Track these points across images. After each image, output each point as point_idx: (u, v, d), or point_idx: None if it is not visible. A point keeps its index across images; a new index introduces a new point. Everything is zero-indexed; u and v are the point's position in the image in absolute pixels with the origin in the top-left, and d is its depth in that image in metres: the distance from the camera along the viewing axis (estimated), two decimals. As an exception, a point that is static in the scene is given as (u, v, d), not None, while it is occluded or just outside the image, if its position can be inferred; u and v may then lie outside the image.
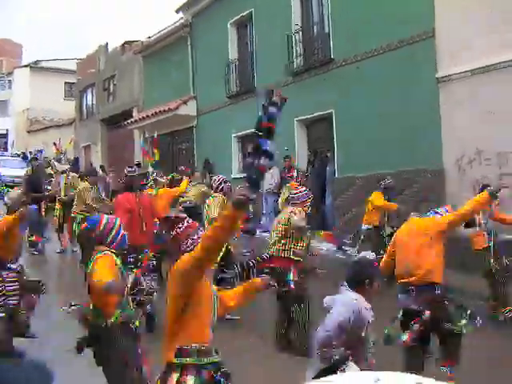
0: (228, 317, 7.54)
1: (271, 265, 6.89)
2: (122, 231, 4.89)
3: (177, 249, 3.74)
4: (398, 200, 11.91)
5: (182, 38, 21.89)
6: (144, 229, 7.86)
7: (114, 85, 28.31)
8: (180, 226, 3.80)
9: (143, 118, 22.98)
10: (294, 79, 16.00)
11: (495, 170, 10.73)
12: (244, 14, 18.25)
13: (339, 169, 14.39)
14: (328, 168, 14.72)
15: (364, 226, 11.26)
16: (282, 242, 7.01)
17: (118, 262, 4.77)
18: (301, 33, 15.93)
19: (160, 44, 23.35)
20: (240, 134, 18.69)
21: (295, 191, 7.48)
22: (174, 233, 3.79)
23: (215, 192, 8.83)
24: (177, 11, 21.94)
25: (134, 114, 25.13)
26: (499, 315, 8.17)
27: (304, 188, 7.57)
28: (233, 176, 18.45)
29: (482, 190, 8.73)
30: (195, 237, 3.76)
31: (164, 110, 21.29)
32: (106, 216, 4.98)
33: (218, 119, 19.47)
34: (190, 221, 3.89)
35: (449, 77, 11.53)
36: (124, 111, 26.07)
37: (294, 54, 15.94)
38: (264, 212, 15.97)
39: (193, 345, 3.50)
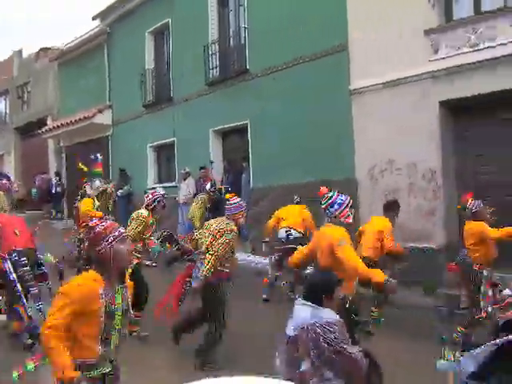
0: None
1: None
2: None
3: (94, 251, 3.70)
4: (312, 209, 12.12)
5: (98, 46, 21.53)
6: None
7: (28, 92, 27.51)
8: (95, 228, 3.73)
9: (58, 126, 22.43)
10: (210, 90, 15.99)
11: (405, 180, 11.04)
12: (161, 23, 18.12)
13: (254, 179, 14.46)
14: (243, 178, 14.76)
15: None
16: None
17: None
18: (217, 43, 15.96)
19: (76, 51, 22.87)
20: (156, 143, 18.54)
21: (228, 202, 7.12)
22: (89, 236, 3.77)
23: (145, 208, 8.08)
24: (93, 18, 21.54)
25: (48, 123, 24.47)
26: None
27: (236, 200, 7.08)
28: (148, 186, 18.26)
29: (386, 207, 9.05)
30: (112, 236, 3.68)
31: (79, 119, 20.85)
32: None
33: (134, 129, 19.22)
34: (109, 222, 3.82)
35: (361, 89, 11.80)
36: (38, 119, 25.33)
37: (211, 65, 15.95)
38: (180, 222, 15.83)
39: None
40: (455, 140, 10.67)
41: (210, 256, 6.51)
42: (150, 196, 8.15)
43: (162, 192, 8.31)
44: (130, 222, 7.91)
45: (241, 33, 15.49)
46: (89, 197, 10.56)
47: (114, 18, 20.49)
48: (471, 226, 7.54)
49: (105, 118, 20.70)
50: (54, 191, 23.37)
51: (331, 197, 5.75)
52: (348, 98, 12.06)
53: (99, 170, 12.22)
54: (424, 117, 10.59)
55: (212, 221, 7.02)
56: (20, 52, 28.63)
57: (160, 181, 18.66)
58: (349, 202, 5.72)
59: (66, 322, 3.44)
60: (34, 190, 23.45)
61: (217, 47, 15.97)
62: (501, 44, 9.53)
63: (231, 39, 16.08)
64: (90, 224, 3.76)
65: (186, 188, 15.67)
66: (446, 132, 10.57)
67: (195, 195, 15.21)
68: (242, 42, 15.33)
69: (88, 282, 3.58)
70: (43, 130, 23.64)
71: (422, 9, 10.61)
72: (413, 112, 10.75)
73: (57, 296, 3.58)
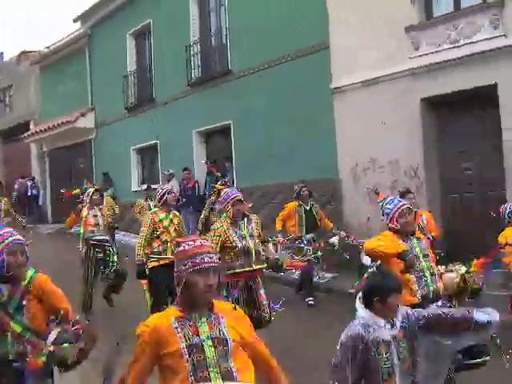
0: None
1: None
2: (3, 255, 3.97)
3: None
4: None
5: (79, 49, 21.38)
6: None
7: (10, 96, 27.28)
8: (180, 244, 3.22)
9: (40, 130, 22.26)
10: (192, 90, 15.92)
11: (388, 178, 11.03)
12: (143, 24, 18.03)
13: (238, 179, 14.39)
14: (227, 179, 14.67)
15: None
16: None
17: None
18: (199, 44, 15.90)
19: (58, 55, 22.68)
20: (139, 146, 18.44)
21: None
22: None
23: (158, 203, 8.01)
24: (74, 21, 21.40)
25: (31, 127, 24.27)
26: None
27: (224, 190, 7.05)
28: (132, 189, 18.18)
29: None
30: (191, 262, 3.05)
31: (62, 123, 20.71)
32: (2, 230, 4.16)
33: (117, 132, 19.10)
34: (198, 242, 3.16)
35: (343, 87, 11.79)
36: (21, 124, 25.09)
37: (193, 65, 15.88)
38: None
39: None
40: (437, 136, 10.67)
41: None
42: (160, 190, 8.07)
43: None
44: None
45: (222, 33, 15.43)
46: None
47: (95, 20, 20.34)
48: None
49: (87, 122, 20.56)
50: (29, 193, 23.68)
51: (382, 205, 5.44)
52: (330, 97, 12.05)
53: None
54: (405, 114, 10.59)
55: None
56: (1, 55, 28.40)
57: (144, 183, 18.53)
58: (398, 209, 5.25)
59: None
60: (14, 194, 23.28)
61: (198, 48, 15.90)
62: (480, 40, 9.54)
63: (213, 39, 16.02)
64: (178, 239, 3.28)
65: (170, 190, 15.56)
66: (427, 129, 10.57)
67: (179, 197, 15.15)
68: (224, 42, 15.28)
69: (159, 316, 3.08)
70: (26, 134, 23.45)
71: (403, 6, 10.59)
72: (394, 109, 10.75)
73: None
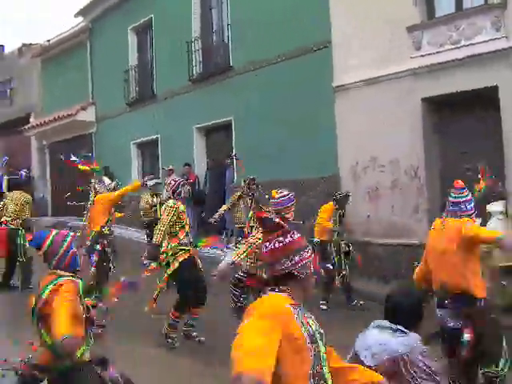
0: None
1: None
2: (73, 249, 4.03)
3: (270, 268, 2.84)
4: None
5: (81, 43, 21.38)
6: None
7: (11, 89, 27.25)
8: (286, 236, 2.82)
9: (41, 123, 22.26)
10: (193, 86, 15.93)
11: (388, 177, 11.07)
12: (144, 19, 18.02)
13: (238, 175, 14.41)
14: (227, 175, 14.72)
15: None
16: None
17: (81, 286, 3.95)
18: (200, 40, 15.89)
19: (59, 48, 22.67)
20: (139, 141, 18.46)
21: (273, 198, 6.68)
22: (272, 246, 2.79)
23: (171, 197, 7.78)
24: (76, 15, 21.36)
25: (31, 120, 24.27)
26: None
27: (283, 193, 6.63)
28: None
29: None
30: (298, 257, 2.78)
31: (63, 116, 20.71)
32: (55, 232, 4.07)
33: (118, 126, 19.12)
34: (298, 235, 2.86)
35: (344, 86, 11.80)
36: (21, 116, 25.08)
37: (194, 61, 15.88)
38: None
39: None
40: (438, 137, 10.69)
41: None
42: (173, 182, 7.89)
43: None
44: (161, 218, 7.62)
45: (224, 29, 15.43)
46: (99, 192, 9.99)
47: (97, 15, 20.33)
48: None
49: (88, 116, 20.58)
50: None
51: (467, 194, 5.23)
52: (331, 95, 12.06)
53: (97, 167, 12.21)
54: (406, 114, 10.61)
55: None
56: (2, 48, 28.35)
57: (144, 178, 18.56)
58: None
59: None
60: None
61: (200, 44, 15.89)
62: (482, 42, 9.56)
63: (214, 36, 16.03)
64: (275, 221, 2.83)
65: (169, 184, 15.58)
66: (428, 129, 10.60)
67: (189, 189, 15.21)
68: (225, 38, 15.29)
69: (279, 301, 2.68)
70: (26, 127, 23.46)
71: (405, 6, 10.60)
72: (395, 109, 10.77)
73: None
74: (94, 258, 8.89)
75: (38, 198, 22.42)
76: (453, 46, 9.97)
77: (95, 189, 9.91)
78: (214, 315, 8.10)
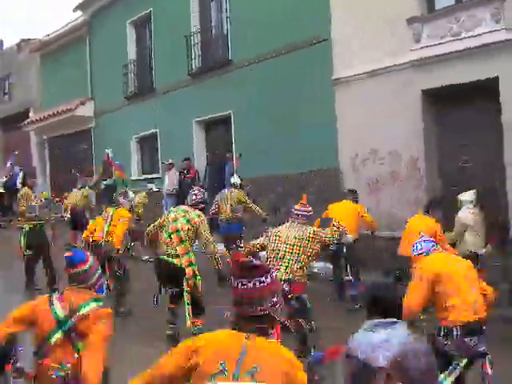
0: None
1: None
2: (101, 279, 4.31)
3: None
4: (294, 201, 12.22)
5: (80, 37, 21.32)
6: None
7: (10, 84, 27.22)
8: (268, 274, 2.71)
9: (40, 119, 22.24)
10: (192, 80, 15.91)
11: (387, 169, 11.08)
12: (143, 13, 17.97)
13: (238, 169, 14.39)
14: (227, 169, 14.71)
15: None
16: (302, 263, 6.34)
17: None
18: (199, 34, 15.86)
19: (58, 43, 22.63)
20: (139, 135, 18.43)
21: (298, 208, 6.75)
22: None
23: (192, 207, 7.80)
24: (74, 10, 21.32)
25: (30, 115, 24.25)
26: None
27: (309, 208, 6.77)
28: (132, 178, 18.19)
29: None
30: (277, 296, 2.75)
31: (62, 111, 20.69)
32: (92, 259, 4.22)
33: (117, 120, 19.08)
34: (274, 274, 2.78)
35: (344, 78, 11.80)
36: (20, 112, 25.06)
37: (193, 55, 15.85)
38: (164, 214, 15.74)
39: None
40: (437, 129, 10.69)
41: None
42: (194, 195, 7.90)
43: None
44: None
45: (223, 23, 15.41)
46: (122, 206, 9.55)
47: (95, 9, 20.27)
48: None
49: (87, 110, 20.54)
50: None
51: None
52: (331, 88, 12.05)
53: (127, 179, 12.45)
54: (407, 106, 10.61)
55: (283, 229, 6.58)
56: (1, 43, 28.30)
57: (144, 172, 18.60)
58: None
59: None
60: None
61: (199, 37, 15.86)
62: (482, 33, 9.54)
63: (213, 29, 15.99)
64: (254, 262, 2.71)
65: (169, 179, 15.62)
66: (428, 121, 10.59)
67: (180, 186, 15.22)
68: (225, 32, 15.26)
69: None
70: (25, 122, 23.43)
71: (404, -3, 10.60)
72: (395, 101, 10.76)
73: None
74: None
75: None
76: (453, 38, 9.95)
77: (118, 201, 9.59)
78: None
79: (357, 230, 9.75)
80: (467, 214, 8.45)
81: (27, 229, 10.35)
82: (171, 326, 7.47)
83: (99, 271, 4.20)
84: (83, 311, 3.86)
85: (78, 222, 14.16)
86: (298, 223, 6.55)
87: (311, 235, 6.39)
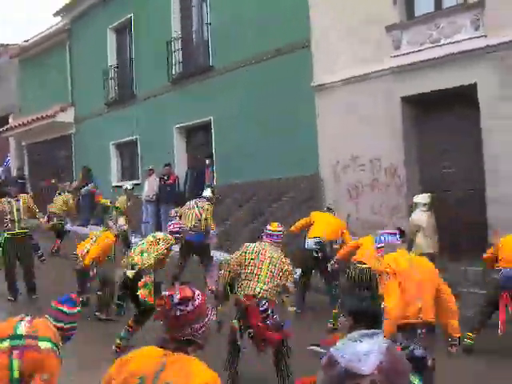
0: None
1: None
2: None
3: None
4: (275, 207, 12.23)
5: (60, 43, 21.16)
6: None
7: (-11, 90, 26.92)
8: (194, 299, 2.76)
9: (19, 124, 21.99)
10: (173, 86, 15.84)
11: (369, 176, 11.08)
12: (123, 19, 17.87)
13: (218, 176, 14.36)
14: (207, 175, 14.66)
15: None
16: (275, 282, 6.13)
17: None
18: (180, 40, 15.79)
19: (37, 48, 22.44)
20: (119, 141, 18.30)
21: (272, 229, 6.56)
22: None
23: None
24: (55, 15, 21.17)
25: (10, 121, 23.97)
26: None
27: (281, 228, 6.64)
28: (113, 184, 18.08)
29: None
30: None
31: (41, 117, 20.47)
32: None
33: (97, 127, 18.93)
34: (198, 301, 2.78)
35: (324, 85, 11.80)
36: (0, 117, 24.79)
37: (174, 61, 15.78)
38: (144, 220, 15.66)
39: None
40: (417, 135, 10.71)
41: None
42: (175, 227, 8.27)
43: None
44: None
45: (204, 29, 15.36)
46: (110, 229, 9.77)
47: (76, 14, 20.13)
48: None
49: (67, 116, 20.36)
50: None
51: None
52: (311, 94, 12.05)
53: (120, 207, 13.15)
54: (386, 112, 10.64)
55: (256, 246, 6.35)
56: (-21, 49, 28.00)
57: (123, 178, 18.46)
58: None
59: None
60: None
61: (179, 43, 15.79)
62: (461, 40, 9.58)
63: (194, 35, 15.94)
64: (182, 294, 2.73)
65: (149, 185, 15.53)
66: (408, 127, 10.62)
67: (159, 192, 15.14)
68: (205, 38, 15.22)
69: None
70: (4, 128, 23.17)
71: (384, 5, 10.61)
72: (375, 107, 10.78)
73: None
74: None
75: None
76: (432, 45, 9.99)
77: (107, 224, 9.96)
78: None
79: (334, 240, 9.76)
80: (420, 215, 9.03)
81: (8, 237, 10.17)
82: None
83: None
84: None
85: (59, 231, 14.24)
86: (271, 244, 6.38)
87: (285, 263, 6.22)
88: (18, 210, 10.17)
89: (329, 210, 10.18)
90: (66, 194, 15.03)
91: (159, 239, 7.80)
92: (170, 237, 7.90)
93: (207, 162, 14.68)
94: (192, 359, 2.62)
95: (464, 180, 10.01)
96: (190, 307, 2.69)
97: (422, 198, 9.26)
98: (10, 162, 15.46)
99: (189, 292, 2.74)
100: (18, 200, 10.29)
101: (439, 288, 5.00)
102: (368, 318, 3.54)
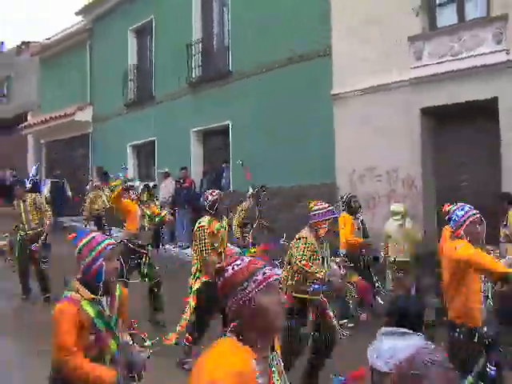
0: None
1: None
2: (101, 260, 3.55)
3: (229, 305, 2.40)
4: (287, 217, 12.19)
5: (81, 42, 21.34)
6: None
7: (9, 87, 27.17)
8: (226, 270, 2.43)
9: (38, 122, 22.17)
10: (191, 90, 15.89)
11: (385, 187, 11.03)
12: (144, 21, 17.97)
13: (234, 181, 14.36)
14: (223, 179, 14.68)
15: None
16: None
17: (90, 310, 3.51)
18: (200, 44, 15.84)
19: (58, 47, 22.66)
20: (136, 142, 18.38)
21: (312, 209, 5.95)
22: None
23: (208, 213, 6.92)
24: (77, 14, 21.32)
25: (28, 119, 24.19)
26: None
27: (321, 205, 5.92)
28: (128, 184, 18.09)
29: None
30: (252, 282, 2.35)
31: (60, 116, 20.64)
32: (92, 235, 3.69)
33: (115, 127, 19.06)
34: (246, 260, 2.45)
35: (343, 94, 11.77)
36: (19, 115, 25.02)
37: (193, 65, 15.83)
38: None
39: None
40: (435, 147, 10.65)
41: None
42: (211, 196, 6.97)
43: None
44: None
45: (224, 34, 15.40)
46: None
47: (97, 14, 20.30)
48: None
49: (85, 116, 20.52)
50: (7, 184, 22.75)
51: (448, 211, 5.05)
52: (330, 103, 12.02)
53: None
54: (405, 124, 10.58)
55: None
56: (1, 45, 28.27)
57: (140, 180, 18.48)
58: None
59: None
60: None
61: (200, 47, 15.84)
62: (483, 54, 9.53)
63: (215, 39, 15.98)
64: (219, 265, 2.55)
65: (164, 187, 15.57)
66: (426, 139, 10.56)
67: (175, 196, 15.17)
68: (226, 42, 15.25)
69: (237, 358, 2.22)
70: (23, 125, 23.36)
71: (407, 15, 10.57)
72: (394, 119, 10.73)
73: None
74: None
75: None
76: (454, 57, 9.93)
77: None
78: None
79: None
80: (390, 224, 9.26)
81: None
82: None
83: (94, 252, 3.61)
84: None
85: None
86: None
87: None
88: (25, 211, 10.24)
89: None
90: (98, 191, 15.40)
91: None
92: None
93: (224, 166, 14.70)
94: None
95: (480, 194, 9.93)
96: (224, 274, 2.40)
97: (396, 207, 9.41)
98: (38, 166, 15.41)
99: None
100: (24, 201, 10.32)
101: None
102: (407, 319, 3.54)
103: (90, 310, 3.47)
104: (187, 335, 6.69)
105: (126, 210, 8.68)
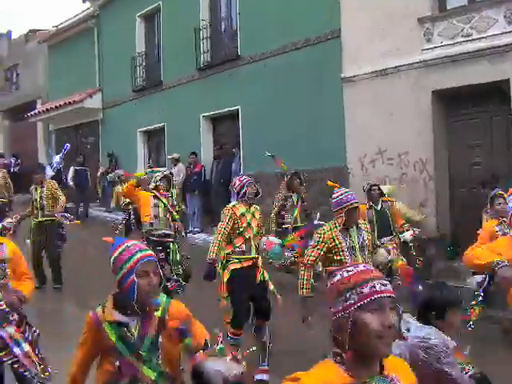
0: None
1: None
2: (132, 276, 3.07)
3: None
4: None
5: (88, 29, 21.25)
6: None
7: (18, 74, 27.21)
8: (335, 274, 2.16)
9: (47, 110, 22.19)
10: (200, 75, 15.84)
11: (397, 170, 11.00)
12: (152, 6, 17.90)
13: (245, 165, 14.36)
14: (234, 164, 14.67)
15: None
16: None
17: (111, 333, 3.13)
18: (208, 28, 15.77)
19: (66, 34, 22.56)
20: (146, 128, 18.39)
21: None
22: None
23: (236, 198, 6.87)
24: (84, 1, 21.26)
25: (38, 106, 24.23)
26: None
27: (338, 193, 5.79)
28: (138, 171, 18.13)
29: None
30: (357, 293, 2.04)
31: (69, 103, 20.64)
32: (126, 244, 3.21)
33: (124, 113, 19.06)
34: (361, 267, 2.15)
35: (353, 77, 11.71)
36: (28, 102, 25.07)
37: (202, 50, 15.78)
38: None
39: None
40: (447, 130, 10.61)
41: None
42: (238, 182, 6.84)
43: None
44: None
45: (232, 18, 15.33)
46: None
47: (104, 1, 20.20)
48: None
49: (94, 102, 20.50)
50: (12, 171, 22.30)
51: None
52: (340, 86, 11.97)
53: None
54: (416, 106, 10.53)
55: None
56: (9, 33, 28.28)
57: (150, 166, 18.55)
58: None
59: None
60: None
61: (208, 32, 15.77)
62: (494, 35, 9.45)
63: (223, 24, 15.92)
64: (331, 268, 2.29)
65: (176, 173, 15.57)
66: (438, 122, 10.51)
67: (185, 181, 15.19)
68: (234, 27, 15.18)
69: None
70: (32, 113, 23.40)
71: (416, -3, 10.50)
72: (405, 101, 10.68)
73: None
74: None
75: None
76: (464, 39, 9.86)
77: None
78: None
79: None
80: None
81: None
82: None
83: (128, 264, 3.16)
84: None
85: None
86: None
87: None
88: (41, 197, 10.20)
89: None
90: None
91: None
92: None
93: (234, 151, 14.70)
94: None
95: (493, 177, 9.89)
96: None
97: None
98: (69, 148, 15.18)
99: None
100: (42, 187, 10.30)
101: None
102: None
103: (111, 333, 3.11)
104: (228, 328, 6.37)
105: (138, 202, 8.59)
